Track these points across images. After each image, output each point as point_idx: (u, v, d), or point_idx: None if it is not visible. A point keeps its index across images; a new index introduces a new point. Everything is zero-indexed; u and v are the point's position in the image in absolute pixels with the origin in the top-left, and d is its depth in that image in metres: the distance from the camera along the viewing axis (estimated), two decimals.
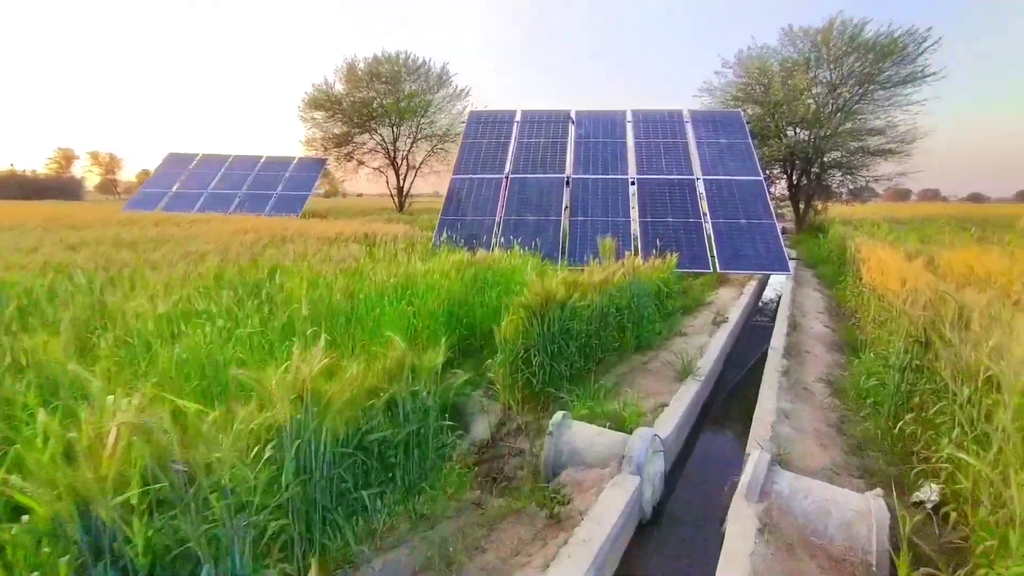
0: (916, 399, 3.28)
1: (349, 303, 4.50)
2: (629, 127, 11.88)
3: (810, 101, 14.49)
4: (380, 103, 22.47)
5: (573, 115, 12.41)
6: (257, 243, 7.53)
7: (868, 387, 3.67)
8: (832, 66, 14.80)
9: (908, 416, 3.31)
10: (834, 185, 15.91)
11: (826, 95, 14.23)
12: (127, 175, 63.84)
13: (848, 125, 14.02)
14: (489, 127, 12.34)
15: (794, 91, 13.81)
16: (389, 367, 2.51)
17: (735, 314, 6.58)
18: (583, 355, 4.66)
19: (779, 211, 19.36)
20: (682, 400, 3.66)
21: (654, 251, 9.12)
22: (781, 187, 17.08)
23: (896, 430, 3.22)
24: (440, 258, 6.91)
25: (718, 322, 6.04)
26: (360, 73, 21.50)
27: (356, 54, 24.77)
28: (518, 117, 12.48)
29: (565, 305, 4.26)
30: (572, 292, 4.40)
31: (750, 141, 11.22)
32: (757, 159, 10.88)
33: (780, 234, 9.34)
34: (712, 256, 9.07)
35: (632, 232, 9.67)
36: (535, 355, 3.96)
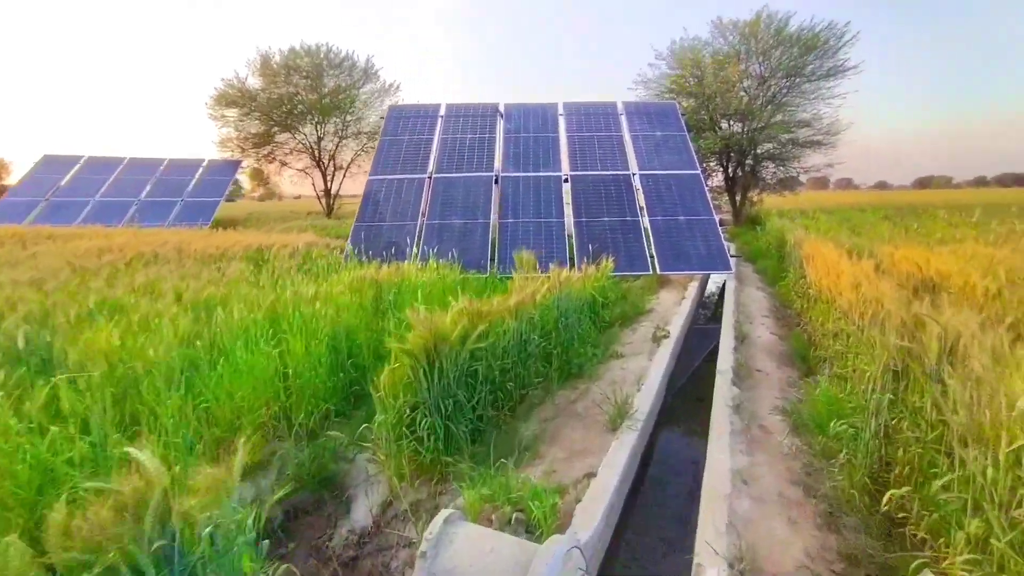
0: (899, 451, 2.60)
1: (186, 356, 3.35)
2: (561, 120, 11.13)
3: (742, 94, 14.41)
4: (301, 99, 20.66)
5: (502, 108, 11.51)
6: (108, 267, 6.09)
7: (838, 431, 2.97)
8: (761, 59, 14.81)
9: (891, 474, 2.62)
10: (767, 177, 16.02)
11: (757, 87, 14.18)
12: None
13: (779, 117, 14.04)
14: (410, 123, 11.21)
15: (726, 83, 13.64)
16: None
17: (677, 325, 5.90)
18: (497, 399, 3.75)
19: (716, 203, 19.46)
20: (614, 467, 2.81)
21: (589, 254, 8.40)
22: (718, 179, 17.04)
23: (879, 494, 2.53)
24: (339, 277, 5.80)
25: (659, 338, 5.32)
26: (275, 67, 19.61)
27: (271, 46, 22.67)
28: (442, 111, 11.43)
29: (467, 342, 3.31)
30: (477, 324, 3.47)
31: (686, 134, 10.75)
32: (694, 152, 10.43)
33: (720, 230, 8.87)
34: (651, 256, 8.45)
35: (567, 233, 8.90)
36: (423, 416, 2.99)
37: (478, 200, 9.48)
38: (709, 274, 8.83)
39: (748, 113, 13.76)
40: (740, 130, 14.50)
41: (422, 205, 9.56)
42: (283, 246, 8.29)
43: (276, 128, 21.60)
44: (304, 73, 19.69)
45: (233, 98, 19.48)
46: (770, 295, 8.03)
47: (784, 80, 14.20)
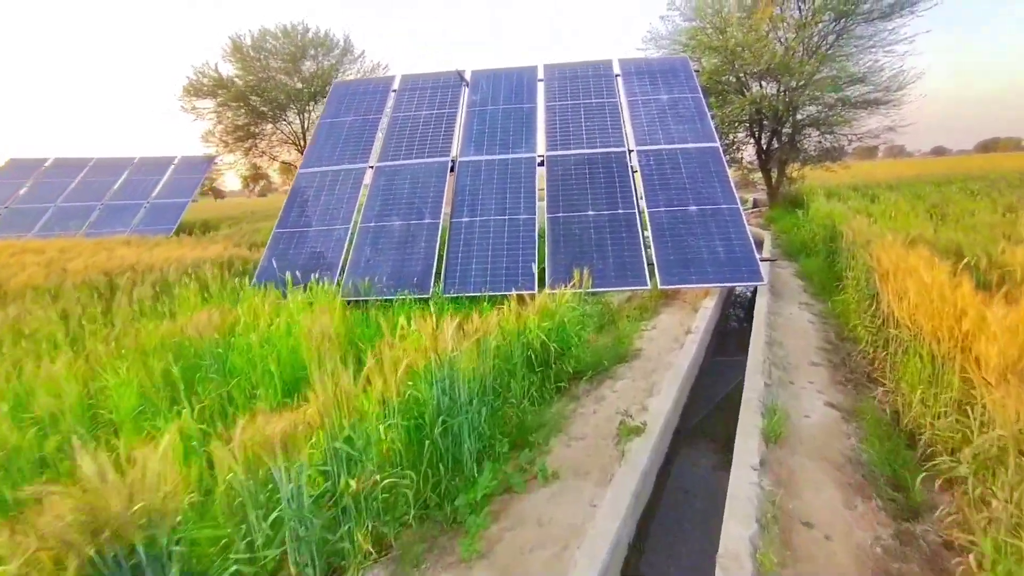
0: None
1: None
2: (541, 88, 8.82)
3: (777, 45, 11.59)
4: (279, 85, 18.90)
5: (469, 75, 9.29)
6: None
7: None
8: None
9: None
10: (811, 148, 13.19)
11: (795, 35, 11.31)
12: None
13: (824, 72, 11.23)
14: (356, 101, 9.14)
15: (756, 31, 10.91)
16: None
17: (668, 395, 3.68)
18: None
19: (750, 178, 16.55)
20: None
21: (565, 264, 6.20)
22: (749, 153, 14.27)
23: None
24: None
25: (626, 434, 3.12)
26: (247, 50, 17.83)
27: (245, 30, 20.47)
28: (396, 84, 9.30)
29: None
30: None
31: (701, 96, 8.28)
32: (710, 119, 7.97)
33: (745, 220, 6.47)
34: (651, 263, 6.18)
35: (539, 234, 6.73)
36: None
37: (427, 194, 7.37)
38: (732, 287, 6.45)
39: (784, 69, 11.00)
40: (775, 91, 11.77)
41: (357, 202, 7.54)
42: (173, 262, 6.45)
43: (259, 119, 20.03)
44: (280, 56, 17.85)
45: (206, 88, 17.84)
46: (820, 319, 5.64)
47: (832, 24, 11.30)
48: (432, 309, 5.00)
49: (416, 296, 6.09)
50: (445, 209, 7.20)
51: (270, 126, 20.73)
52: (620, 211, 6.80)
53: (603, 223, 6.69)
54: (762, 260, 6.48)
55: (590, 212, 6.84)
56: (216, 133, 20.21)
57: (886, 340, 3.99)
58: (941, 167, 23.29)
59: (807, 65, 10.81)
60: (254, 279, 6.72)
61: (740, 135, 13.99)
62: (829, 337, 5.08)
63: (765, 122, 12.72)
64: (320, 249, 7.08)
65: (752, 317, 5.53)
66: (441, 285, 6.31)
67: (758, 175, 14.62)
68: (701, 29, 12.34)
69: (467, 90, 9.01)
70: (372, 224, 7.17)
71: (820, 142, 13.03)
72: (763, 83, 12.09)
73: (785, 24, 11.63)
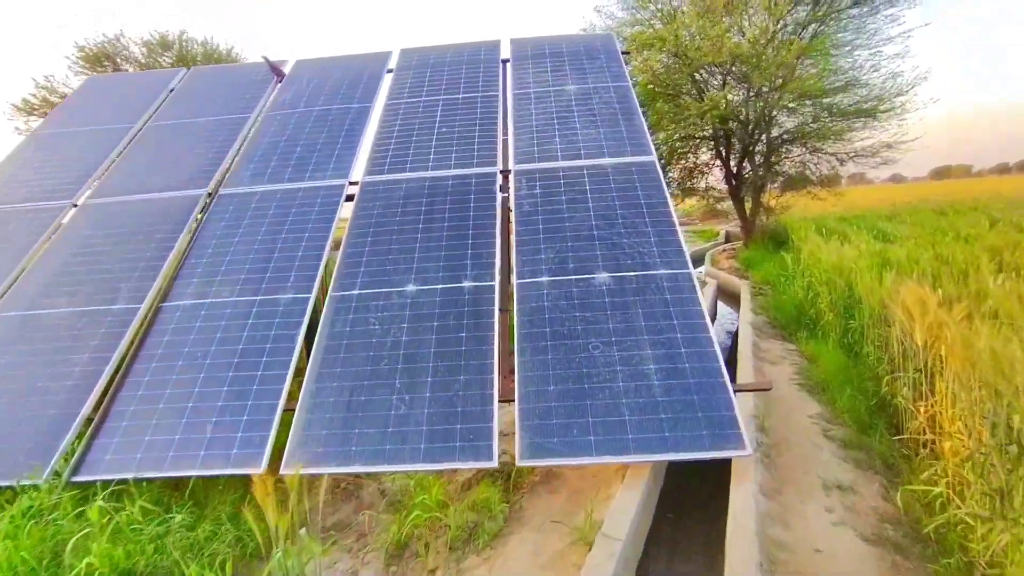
0: None
1: None
2: (387, 81, 5.74)
3: (740, 35, 8.80)
4: None
5: (289, 67, 6.16)
6: None
7: None
8: None
9: None
10: (792, 169, 10.47)
11: (768, 18, 8.55)
12: None
13: (809, 70, 8.52)
14: (108, 102, 5.92)
15: (711, 12, 8.11)
16: None
17: None
18: None
19: (718, 208, 13.68)
20: None
21: (339, 398, 2.92)
22: (716, 177, 11.41)
23: None
24: None
25: None
26: (93, 57, 14.56)
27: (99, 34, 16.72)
28: (176, 82, 6.10)
29: None
30: None
31: (628, 85, 5.27)
32: (647, 130, 4.91)
33: (709, 322, 3.28)
34: (509, 401, 2.96)
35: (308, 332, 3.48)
36: None
37: (140, 254, 4.07)
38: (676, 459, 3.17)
39: (752, 65, 8.21)
40: (744, 97, 9.04)
41: (18, 267, 4.18)
42: None
43: None
44: (139, 64, 14.64)
45: (40, 105, 14.48)
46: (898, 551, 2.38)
47: (813, 6, 8.64)
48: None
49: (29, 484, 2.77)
50: (156, 286, 3.88)
51: None
52: (466, 283, 3.57)
53: (429, 309, 3.45)
54: (743, 390, 3.27)
55: (409, 287, 3.60)
56: None
57: None
58: (935, 192, 21.12)
59: (784, 55, 8.01)
60: None
61: (704, 156, 11.20)
62: None
63: (733, 139, 9.92)
64: None
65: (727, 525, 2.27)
66: (74, 461, 2.95)
67: (728, 203, 11.77)
68: (646, 21, 9.59)
69: (277, 87, 5.87)
70: (21, 312, 3.80)
71: (803, 161, 10.32)
72: (727, 85, 9.32)
73: (750, 10, 8.92)
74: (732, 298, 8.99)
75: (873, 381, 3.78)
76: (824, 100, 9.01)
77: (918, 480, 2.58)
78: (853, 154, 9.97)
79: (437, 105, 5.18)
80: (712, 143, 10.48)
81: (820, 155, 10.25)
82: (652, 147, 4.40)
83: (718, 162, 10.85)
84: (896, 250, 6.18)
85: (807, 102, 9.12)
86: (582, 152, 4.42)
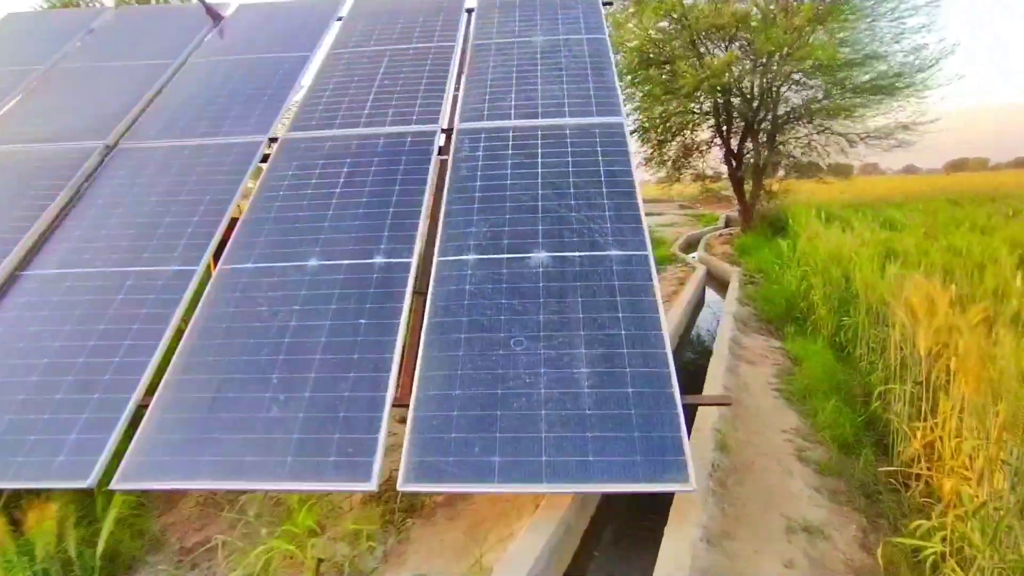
0: None
1: None
2: (334, 29, 5.05)
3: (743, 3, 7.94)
4: None
5: (231, 9, 5.48)
6: None
7: None
8: None
9: None
10: (797, 149, 9.70)
11: None
12: None
13: (822, 36, 7.68)
14: (18, 42, 5.27)
15: None
16: None
17: None
18: None
19: (716, 192, 12.90)
20: None
21: (202, 391, 2.34)
22: (714, 158, 10.63)
23: None
24: None
25: None
26: None
27: None
28: (96, 23, 5.42)
29: None
30: None
31: (605, 37, 4.58)
32: (619, 88, 4.23)
33: (663, 317, 2.67)
34: (403, 407, 2.41)
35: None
36: None
37: (6, 213, 3.49)
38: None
39: (760, 30, 7.39)
40: (749, 66, 8.21)
41: None
42: None
43: None
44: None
45: None
46: None
47: None
48: None
49: None
50: (26, 248, 3.30)
51: None
52: (377, 259, 2.97)
53: (328, 289, 2.86)
54: (696, 404, 2.68)
55: (312, 262, 3.01)
56: None
57: None
58: (950, 184, 20.19)
59: (795, 19, 7.17)
60: None
61: (703, 134, 10.42)
62: None
63: (733, 114, 9.15)
64: None
65: None
66: None
67: (724, 183, 10.96)
68: None
69: (213, 32, 5.20)
70: None
71: (810, 143, 9.52)
72: (728, 48, 8.50)
73: None
74: (723, 286, 8.38)
75: (864, 391, 3.19)
76: (838, 74, 8.19)
77: (907, 530, 2.01)
78: (865, 135, 9.16)
79: (384, 56, 4.50)
80: (712, 119, 9.70)
81: (829, 135, 9.45)
82: (621, 107, 3.74)
83: (718, 140, 10.09)
84: (903, 239, 5.52)
85: (818, 75, 8.31)
86: (539, 110, 3.76)
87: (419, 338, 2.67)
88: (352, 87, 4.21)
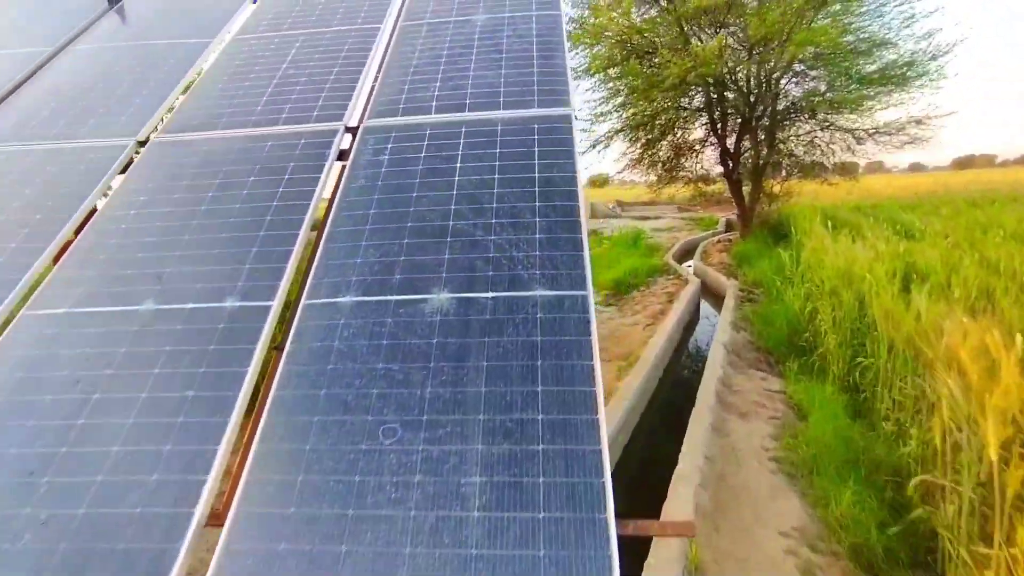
0: None
1: None
2: (247, 11, 4.30)
3: None
4: None
5: None
6: None
7: None
8: None
9: None
10: (799, 148, 8.89)
11: None
12: None
13: (823, 21, 6.89)
14: None
15: None
16: None
17: None
18: None
19: (711, 194, 12.03)
20: None
21: None
22: (707, 161, 9.81)
23: None
24: None
25: None
26: None
27: None
28: None
29: None
30: None
31: (559, 14, 3.81)
32: (569, 71, 3.60)
33: (600, 392, 1.91)
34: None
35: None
36: None
37: None
38: None
39: (752, 12, 6.59)
40: (744, 56, 7.44)
41: None
42: None
43: None
44: None
45: None
46: None
47: None
48: None
49: None
50: None
51: None
52: (228, 303, 2.21)
53: (156, 344, 2.10)
54: (648, 534, 1.90)
55: (146, 304, 2.24)
56: None
57: None
58: (959, 181, 19.33)
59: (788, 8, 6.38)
60: None
61: (696, 133, 9.60)
62: None
63: (730, 110, 8.35)
64: None
65: None
66: None
67: (721, 185, 10.13)
68: None
69: (108, 14, 4.46)
70: None
71: (812, 140, 8.71)
72: (717, 32, 7.71)
73: None
74: (720, 300, 7.58)
75: (892, 470, 2.39)
76: (843, 64, 7.39)
77: None
78: (874, 131, 8.34)
79: (295, 42, 3.75)
80: (705, 116, 8.91)
81: (833, 131, 8.65)
82: (571, 95, 2.96)
83: (712, 139, 9.29)
84: (925, 251, 4.70)
85: (820, 65, 7.51)
86: (467, 102, 2.99)
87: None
88: (250, 78, 3.46)
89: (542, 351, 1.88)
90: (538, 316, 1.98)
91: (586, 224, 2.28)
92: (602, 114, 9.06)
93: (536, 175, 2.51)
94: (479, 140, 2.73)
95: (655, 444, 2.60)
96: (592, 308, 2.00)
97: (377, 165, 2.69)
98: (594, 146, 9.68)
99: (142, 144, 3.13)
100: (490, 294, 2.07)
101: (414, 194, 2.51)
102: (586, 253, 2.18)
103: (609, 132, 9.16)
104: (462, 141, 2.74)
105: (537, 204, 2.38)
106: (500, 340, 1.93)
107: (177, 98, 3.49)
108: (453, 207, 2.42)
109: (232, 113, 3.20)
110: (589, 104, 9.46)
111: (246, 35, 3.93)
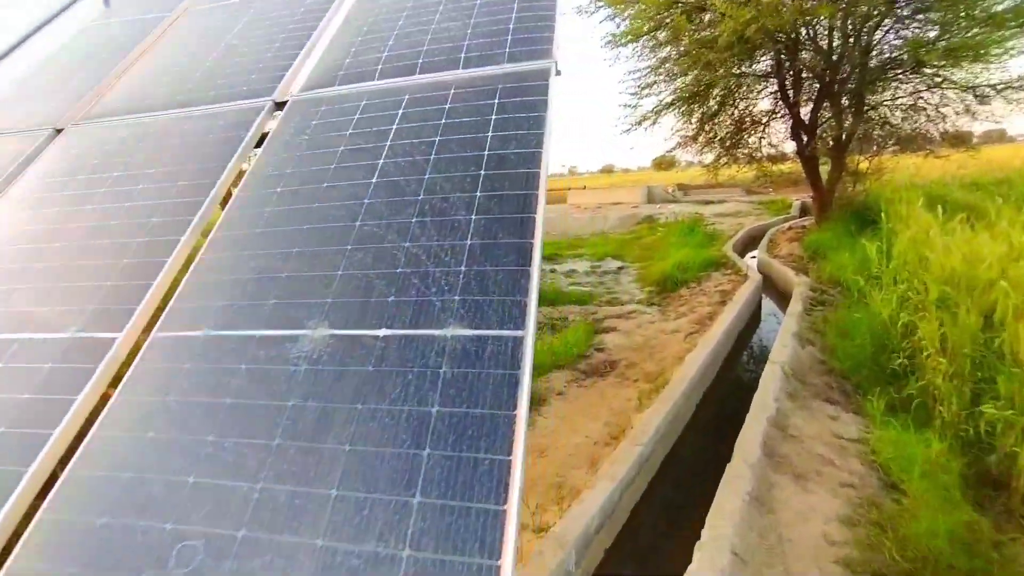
0: None
1: None
2: None
3: None
4: None
5: None
6: None
7: None
8: None
9: None
10: (897, 115, 7.28)
11: None
12: None
13: None
14: None
15: None
16: None
17: None
18: None
19: (774, 175, 10.43)
20: None
21: None
22: (777, 135, 8.40)
23: None
24: None
25: None
26: None
27: None
28: None
29: None
30: None
31: None
32: (556, 27, 2.81)
33: (519, 474, 1.22)
34: None
35: None
36: None
37: None
38: None
39: None
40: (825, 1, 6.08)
41: None
42: None
43: None
44: None
45: None
46: None
47: None
48: None
49: None
50: None
51: None
52: (68, 332, 1.71)
53: None
54: None
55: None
56: None
57: None
58: None
59: None
60: None
61: (761, 104, 8.22)
62: None
63: (804, 74, 6.98)
64: None
65: None
66: None
67: (792, 163, 8.65)
68: None
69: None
70: None
71: (916, 104, 7.05)
72: None
73: None
74: (782, 299, 6.41)
75: None
76: (962, 2, 5.80)
77: None
78: (1004, 86, 6.58)
79: (249, 7, 3.22)
80: (774, 83, 7.56)
81: (945, 89, 6.97)
82: (554, 43, 2.18)
83: (779, 109, 7.90)
84: None
85: (931, 4, 5.96)
86: (419, 61, 2.29)
87: None
88: (190, 49, 2.97)
89: (433, 432, 1.18)
90: (441, 370, 1.28)
91: (541, 224, 1.54)
92: (647, 85, 7.97)
93: (485, 153, 1.78)
94: (421, 110, 2.04)
95: (672, 518, 1.85)
96: (529, 357, 1.27)
97: (293, 148, 2.09)
98: (640, 123, 8.60)
99: (60, 131, 2.74)
100: (382, 332, 1.40)
101: (324, 184, 1.87)
102: (535, 269, 1.44)
103: (657, 107, 8.06)
104: (400, 112, 2.06)
105: (478, 195, 1.66)
106: (378, 408, 1.25)
107: (116, 76, 3.09)
108: (366, 201, 1.76)
109: (162, 91, 2.71)
110: (633, 76, 8.39)
111: (201, 5, 3.46)
